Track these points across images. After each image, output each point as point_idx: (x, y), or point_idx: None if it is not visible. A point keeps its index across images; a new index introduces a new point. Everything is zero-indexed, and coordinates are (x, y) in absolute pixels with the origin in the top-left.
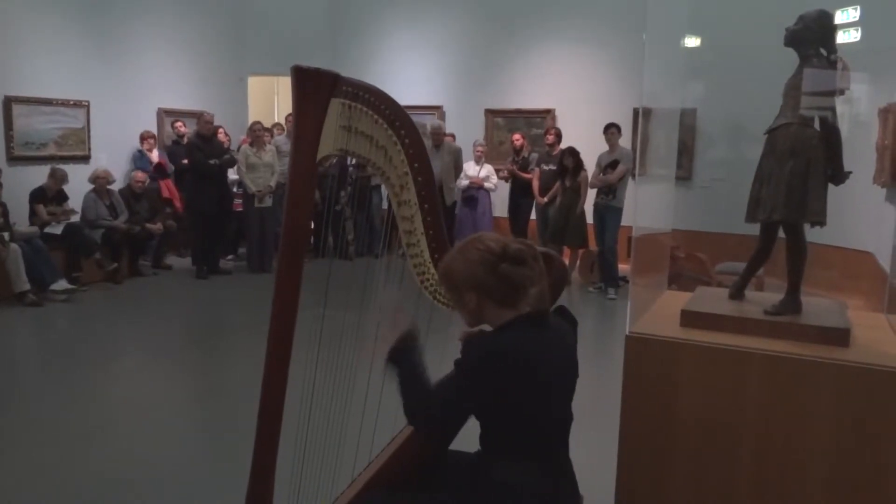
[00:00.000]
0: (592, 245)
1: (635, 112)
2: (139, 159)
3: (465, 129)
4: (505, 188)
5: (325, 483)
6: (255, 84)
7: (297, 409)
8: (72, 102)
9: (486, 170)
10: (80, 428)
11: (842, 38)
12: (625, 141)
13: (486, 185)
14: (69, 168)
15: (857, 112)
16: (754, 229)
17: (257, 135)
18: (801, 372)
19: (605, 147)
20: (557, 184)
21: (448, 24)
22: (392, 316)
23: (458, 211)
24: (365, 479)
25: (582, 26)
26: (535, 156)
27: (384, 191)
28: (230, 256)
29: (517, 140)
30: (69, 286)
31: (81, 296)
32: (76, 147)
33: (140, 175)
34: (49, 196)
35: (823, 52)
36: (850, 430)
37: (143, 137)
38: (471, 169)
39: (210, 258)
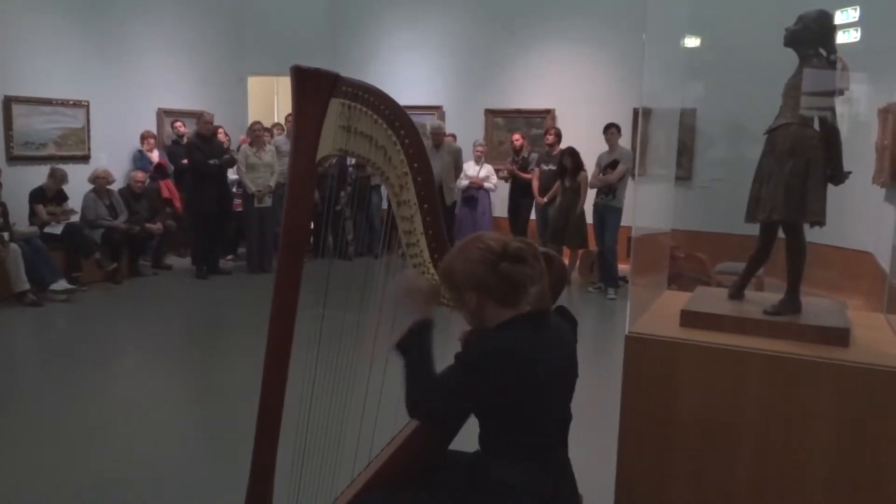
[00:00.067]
0: (592, 245)
1: (635, 112)
2: (139, 159)
3: (465, 129)
4: (505, 188)
5: (324, 482)
6: (254, 84)
7: (297, 409)
8: (71, 102)
9: (486, 170)
10: (80, 428)
11: (841, 38)
12: (625, 141)
13: (486, 185)
14: (69, 168)
15: (856, 112)
16: (754, 229)
17: (257, 135)
18: (801, 372)
19: (605, 147)
20: (557, 184)
21: (448, 24)
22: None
23: (457, 211)
24: (365, 478)
25: (582, 26)
26: (534, 156)
27: (384, 191)
28: (230, 256)
29: (517, 140)
30: (69, 286)
31: (81, 296)
32: (76, 147)
33: (139, 175)
34: (49, 196)
35: (823, 52)
36: (850, 430)
37: (144, 137)
38: (470, 169)
39: (210, 258)
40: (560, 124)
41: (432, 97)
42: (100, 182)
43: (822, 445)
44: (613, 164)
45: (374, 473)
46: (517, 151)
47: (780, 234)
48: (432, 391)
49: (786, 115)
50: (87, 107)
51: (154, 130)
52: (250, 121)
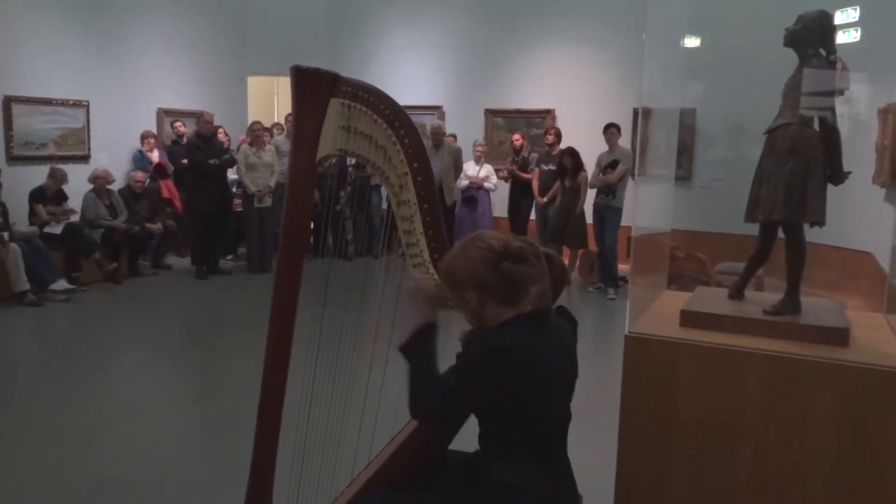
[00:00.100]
0: (592, 245)
1: (635, 112)
2: (139, 160)
3: (465, 129)
4: (505, 188)
5: (324, 482)
6: (254, 84)
7: (297, 409)
8: (71, 102)
9: (486, 170)
10: (80, 428)
11: (841, 38)
12: (624, 141)
13: (486, 185)
14: (69, 168)
15: (856, 112)
16: (754, 229)
17: (257, 135)
18: (801, 372)
19: (605, 147)
20: (557, 184)
21: (448, 24)
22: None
23: (457, 211)
24: (364, 478)
25: (582, 26)
26: (534, 156)
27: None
28: (230, 256)
29: (517, 140)
30: (69, 286)
31: (81, 296)
32: (76, 147)
33: (139, 175)
34: (48, 196)
35: (823, 52)
36: (850, 430)
37: (144, 137)
38: (470, 169)
39: (210, 258)
40: (560, 124)
41: (432, 97)
42: (99, 182)
43: (822, 445)
44: (613, 164)
45: (374, 473)
46: (517, 151)
47: (780, 234)
48: (434, 392)
49: (786, 115)
50: (87, 107)
51: (154, 130)
52: (250, 121)
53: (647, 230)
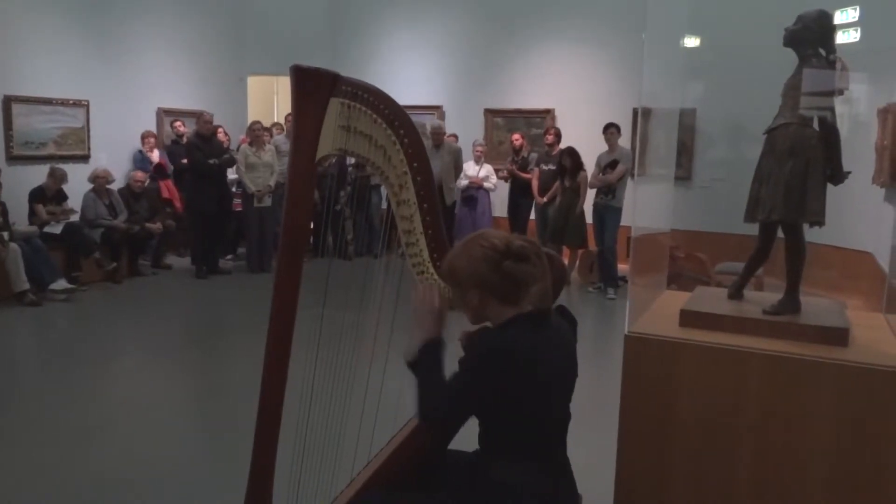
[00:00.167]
0: (592, 245)
1: (635, 112)
2: (140, 160)
3: (465, 129)
4: (504, 188)
5: (324, 482)
6: (254, 84)
7: (297, 409)
8: (71, 102)
9: (486, 170)
10: (80, 428)
11: (841, 38)
12: (624, 141)
13: (486, 184)
14: (68, 167)
15: (856, 112)
16: (754, 229)
17: (256, 134)
18: (801, 372)
19: (605, 147)
20: (557, 184)
21: (448, 24)
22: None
23: (457, 211)
24: (364, 478)
25: (582, 26)
26: (534, 156)
27: (383, 190)
28: (229, 256)
29: (516, 140)
30: (68, 286)
31: (81, 295)
32: (75, 147)
33: (139, 175)
34: (48, 195)
35: (823, 52)
36: (850, 430)
37: (144, 137)
38: (470, 169)
39: (209, 258)
40: (560, 124)
41: (432, 97)
42: (99, 182)
43: (821, 445)
44: (613, 164)
45: (374, 473)
46: (517, 151)
47: (780, 233)
48: (441, 402)
49: (785, 114)
50: (87, 106)
51: (154, 130)
52: (250, 120)
53: (646, 230)
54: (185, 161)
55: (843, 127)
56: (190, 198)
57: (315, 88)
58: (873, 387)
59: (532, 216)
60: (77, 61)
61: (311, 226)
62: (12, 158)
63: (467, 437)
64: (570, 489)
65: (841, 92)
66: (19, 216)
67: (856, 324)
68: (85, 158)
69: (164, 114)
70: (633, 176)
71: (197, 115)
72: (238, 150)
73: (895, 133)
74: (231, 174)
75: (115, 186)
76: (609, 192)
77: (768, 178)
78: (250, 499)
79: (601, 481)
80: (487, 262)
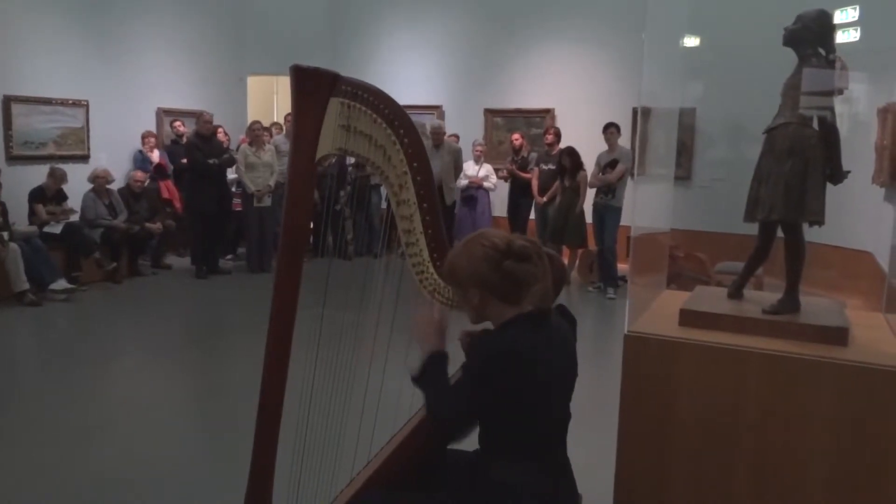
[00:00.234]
0: (592, 245)
1: (634, 112)
2: (140, 160)
3: (465, 129)
4: (504, 188)
5: (324, 482)
6: (254, 84)
7: (297, 409)
8: (71, 102)
9: (486, 169)
10: (80, 428)
11: (841, 37)
12: (624, 140)
13: (486, 184)
14: (68, 167)
15: (855, 112)
16: (753, 229)
17: (256, 134)
18: (800, 371)
19: (605, 147)
20: (556, 183)
21: (448, 24)
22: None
23: (457, 211)
24: (364, 477)
25: (582, 26)
26: (534, 155)
27: (383, 190)
28: (229, 256)
29: (516, 140)
30: (68, 286)
31: (81, 295)
32: (75, 147)
33: (139, 175)
34: (48, 195)
35: (822, 51)
36: (850, 429)
37: (144, 137)
38: (470, 169)
39: (209, 258)
40: (559, 124)
41: (432, 97)
42: (99, 181)
43: (821, 445)
44: (613, 164)
45: (374, 472)
46: (516, 151)
47: (780, 233)
48: (451, 413)
49: (785, 114)
50: (87, 106)
51: (154, 130)
52: (250, 120)
53: (646, 230)
54: (184, 161)
55: (842, 126)
56: (190, 198)
57: (315, 88)
58: (873, 386)
59: (532, 216)
60: (77, 61)
61: (311, 226)
62: (12, 158)
63: (468, 437)
64: (570, 489)
65: (840, 91)
66: (19, 216)
67: (855, 323)
68: (85, 158)
69: (163, 114)
70: (632, 175)
71: (197, 115)
72: (238, 150)
73: (895, 132)
74: (231, 174)
75: (114, 186)
76: (609, 192)
77: (768, 177)
78: (250, 499)
79: (601, 481)
80: (488, 261)
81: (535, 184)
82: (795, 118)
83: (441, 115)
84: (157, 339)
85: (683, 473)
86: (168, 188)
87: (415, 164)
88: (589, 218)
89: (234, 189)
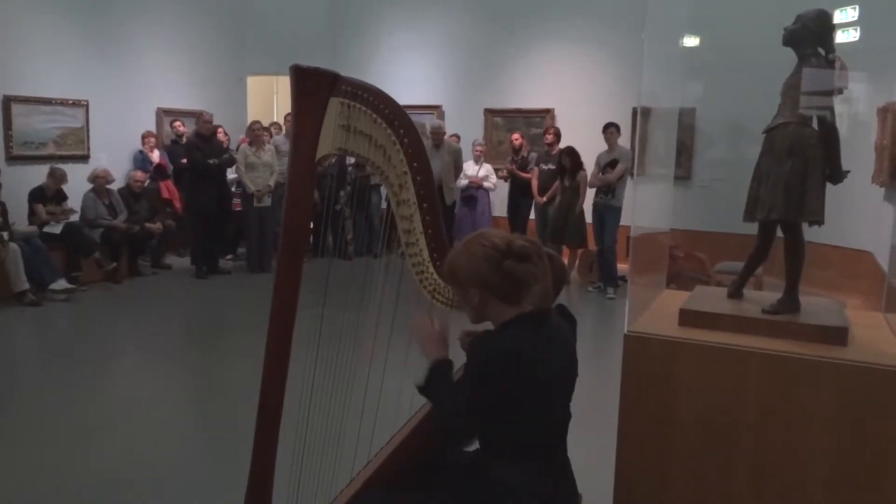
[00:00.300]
0: (591, 244)
1: (634, 112)
2: (140, 160)
3: (465, 129)
4: (504, 188)
5: (324, 482)
6: (254, 84)
7: (297, 409)
8: (71, 102)
9: (486, 169)
10: (80, 428)
11: (840, 37)
12: (624, 140)
13: (486, 184)
14: (68, 167)
15: (855, 111)
16: (753, 229)
17: (256, 134)
18: (800, 371)
19: (605, 146)
20: (556, 183)
21: (448, 24)
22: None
23: (457, 210)
24: (364, 477)
25: (582, 26)
26: (534, 155)
27: (383, 190)
28: (229, 256)
29: (516, 139)
30: (68, 286)
31: (81, 295)
32: (75, 147)
33: (139, 174)
34: (48, 195)
35: (822, 51)
36: (850, 429)
37: (144, 137)
38: (470, 168)
39: (209, 258)
40: (559, 124)
41: (432, 97)
42: (99, 181)
43: (821, 445)
44: (613, 164)
45: (374, 472)
46: (516, 151)
47: (779, 233)
48: (457, 419)
49: (784, 114)
50: (87, 106)
51: (154, 130)
52: (249, 120)
53: (646, 230)
54: (184, 161)
55: (842, 126)
56: (190, 198)
57: (315, 88)
58: (873, 386)
59: (532, 216)
60: (77, 61)
61: (311, 226)
62: (12, 158)
63: (472, 440)
64: (570, 489)
65: (840, 91)
66: (19, 216)
67: (855, 323)
68: (85, 158)
69: (163, 114)
70: (632, 175)
71: (197, 115)
72: (238, 149)
73: (894, 132)
74: (231, 174)
75: (114, 186)
76: (609, 192)
77: (767, 177)
78: (250, 499)
79: (601, 481)
80: (488, 261)
81: (534, 184)
82: (795, 118)
83: (441, 115)
84: (157, 339)
85: (683, 473)
86: (168, 188)
87: (415, 164)
88: (589, 218)
89: (233, 189)
